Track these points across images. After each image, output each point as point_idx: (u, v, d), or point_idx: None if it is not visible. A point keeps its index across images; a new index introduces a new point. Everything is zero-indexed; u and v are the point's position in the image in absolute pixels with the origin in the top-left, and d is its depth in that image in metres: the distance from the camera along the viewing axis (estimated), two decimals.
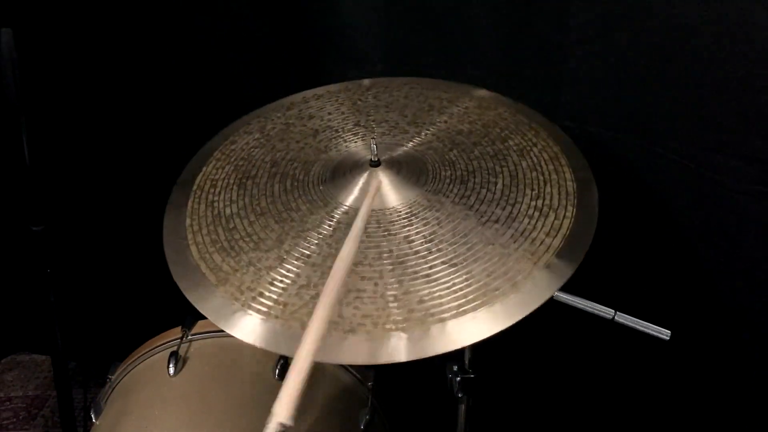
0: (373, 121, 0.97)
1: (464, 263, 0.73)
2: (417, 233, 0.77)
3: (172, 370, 0.99)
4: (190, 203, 0.87)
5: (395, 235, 0.77)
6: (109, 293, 1.58)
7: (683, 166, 0.97)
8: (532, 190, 0.80)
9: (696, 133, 0.94)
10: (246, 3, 1.23)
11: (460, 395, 0.93)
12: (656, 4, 0.90)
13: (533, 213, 0.77)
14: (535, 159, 0.85)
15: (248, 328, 0.71)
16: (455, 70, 1.14)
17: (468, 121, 0.93)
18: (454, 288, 0.70)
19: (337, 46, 1.22)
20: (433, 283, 0.71)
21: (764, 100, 0.86)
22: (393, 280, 0.72)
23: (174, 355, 1.01)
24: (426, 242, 0.76)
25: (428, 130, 0.93)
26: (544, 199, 0.79)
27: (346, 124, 0.97)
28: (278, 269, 0.75)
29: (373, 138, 0.88)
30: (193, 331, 1.06)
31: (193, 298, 0.74)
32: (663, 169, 1.00)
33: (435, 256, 0.74)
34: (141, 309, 1.45)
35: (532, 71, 1.08)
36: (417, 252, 0.75)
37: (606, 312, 0.73)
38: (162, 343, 1.07)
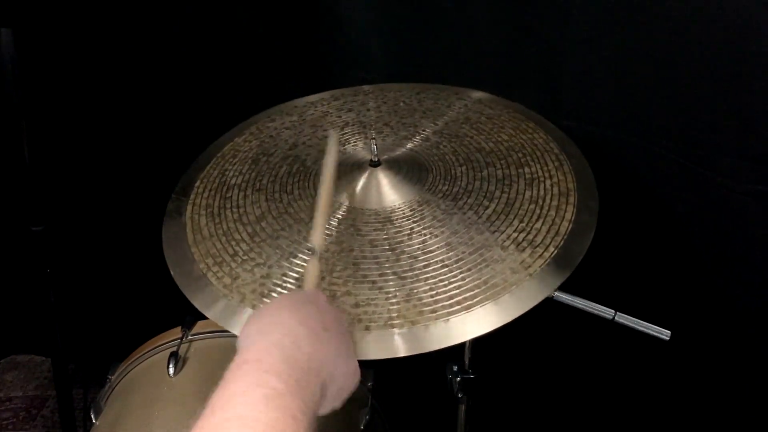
0: (403, 124, 0.98)
1: (458, 264, 0.73)
2: (406, 232, 0.78)
3: (172, 370, 0.99)
4: (190, 204, 0.88)
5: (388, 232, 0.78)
6: (109, 293, 1.58)
7: (683, 166, 0.97)
8: (521, 222, 0.77)
9: (696, 133, 0.94)
10: (249, 6, 1.24)
11: (460, 395, 0.93)
12: (656, 4, 0.90)
13: (509, 245, 0.74)
14: (542, 192, 0.81)
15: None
16: (456, 70, 1.14)
17: (494, 141, 0.91)
18: (448, 286, 0.71)
19: (339, 48, 1.22)
20: (430, 280, 0.72)
21: (764, 100, 0.86)
22: (392, 276, 0.73)
23: (174, 355, 1.00)
24: (420, 242, 0.76)
25: (453, 142, 0.92)
26: (528, 234, 0.76)
27: (377, 122, 0.98)
28: (244, 242, 0.79)
29: (373, 138, 0.89)
30: (193, 331, 1.06)
31: (193, 298, 0.75)
32: (663, 169, 1.00)
33: (431, 255, 0.74)
34: (141, 309, 1.45)
35: (532, 71, 1.08)
36: (414, 250, 0.75)
37: (606, 312, 0.73)
38: (162, 343, 1.07)
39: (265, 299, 0.72)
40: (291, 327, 0.54)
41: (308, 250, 0.72)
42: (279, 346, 0.51)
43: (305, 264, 0.73)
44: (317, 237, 0.71)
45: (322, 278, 0.73)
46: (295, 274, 0.74)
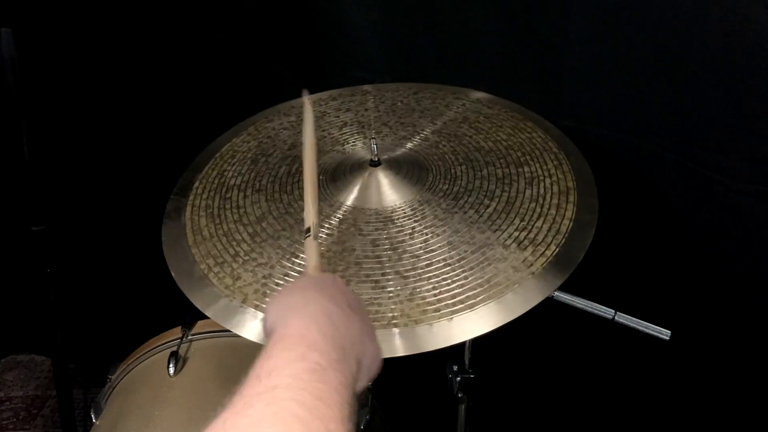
0: (402, 124, 0.98)
1: (460, 263, 0.73)
2: (408, 232, 0.78)
3: (172, 370, 0.99)
4: (189, 205, 0.88)
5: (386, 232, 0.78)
6: (109, 293, 1.58)
7: (683, 166, 0.97)
8: (522, 220, 0.77)
9: (696, 133, 0.94)
10: (246, 6, 1.24)
11: (460, 395, 0.93)
12: (656, 4, 0.90)
13: (510, 244, 0.74)
14: (542, 190, 0.82)
15: (242, 322, 0.71)
16: (456, 70, 1.14)
17: (493, 140, 0.92)
18: (451, 285, 0.71)
19: (338, 48, 1.22)
20: (433, 279, 0.72)
21: (764, 100, 0.86)
22: (395, 276, 0.73)
23: (174, 355, 1.01)
24: (422, 241, 0.76)
25: (452, 141, 0.92)
26: (529, 232, 0.76)
27: (375, 122, 0.99)
28: (245, 243, 0.79)
29: (373, 138, 0.89)
30: (193, 331, 1.06)
31: (195, 299, 0.75)
32: (663, 169, 1.00)
33: (433, 254, 0.74)
34: (141, 309, 1.45)
35: (532, 71, 1.08)
36: (416, 249, 0.75)
37: (606, 312, 0.73)
38: (162, 343, 1.07)
39: (267, 300, 0.72)
40: (322, 304, 0.54)
41: (304, 232, 0.69)
42: (316, 322, 0.51)
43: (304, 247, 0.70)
44: (310, 216, 0.68)
45: (333, 272, 0.73)
46: (296, 274, 0.74)
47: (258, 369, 0.47)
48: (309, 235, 0.67)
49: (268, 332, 0.54)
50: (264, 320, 0.56)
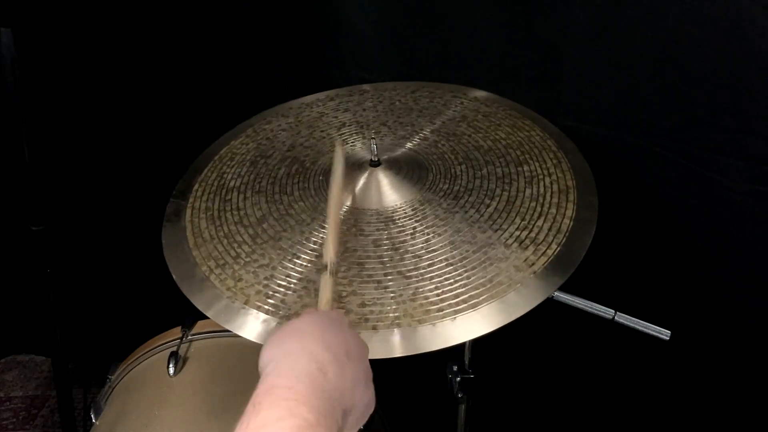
0: (400, 123, 0.98)
1: (462, 262, 0.73)
2: (409, 232, 0.78)
3: (172, 370, 0.99)
4: (189, 207, 0.88)
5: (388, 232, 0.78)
6: (109, 293, 1.58)
7: (683, 166, 0.97)
8: (523, 219, 0.78)
9: (696, 133, 0.94)
10: (247, 7, 1.24)
11: (460, 395, 0.93)
12: (656, 4, 0.90)
13: (512, 243, 0.75)
14: (542, 189, 0.82)
15: (247, 324, 0.71)
16: (456, 70, 1.14)
17: (492, 139, 0.92)
18: (454, 285, 0.71)
19: (338, 48, 1.22)
20: (435, 279, 0.72)
21: (764, 100, 0.86)
22: (397, 276, 0.73)
23: (174, 355, 1.01)
24: (423, 241, 0.76)
25: (451, 140, 0.92)
26: (530, 232, 0.76)
27: (374, 122, 0.98)
28: (246, 245, 0.79)
29: (373, 138, 0.89)
30: (193, 331, 1.06)
31: (197, 301, 0.75)
32: (663, 169, 1.00)
33: (435, 254, 0.74)
34: (141, 309, 1.45)
35: (532, 71, 1.08)
36: (418, 249, 0.75)
37: (606, 312, 0.73)
38: (162, 343, 1.07)
39: (269, 300, 0.72)
40: (318, 354, 0.54)
41: (322, 267, 0.69)
42: (308, 374, 0.52)
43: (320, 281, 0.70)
44: (329, 253, 0.69)
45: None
46: (298, 275, 0.74)
47: (247, 423, 0.48)
48: (326, 273, 0.68)
49: (261, 369, 0.55)
50: (261, 354, 0.56)
